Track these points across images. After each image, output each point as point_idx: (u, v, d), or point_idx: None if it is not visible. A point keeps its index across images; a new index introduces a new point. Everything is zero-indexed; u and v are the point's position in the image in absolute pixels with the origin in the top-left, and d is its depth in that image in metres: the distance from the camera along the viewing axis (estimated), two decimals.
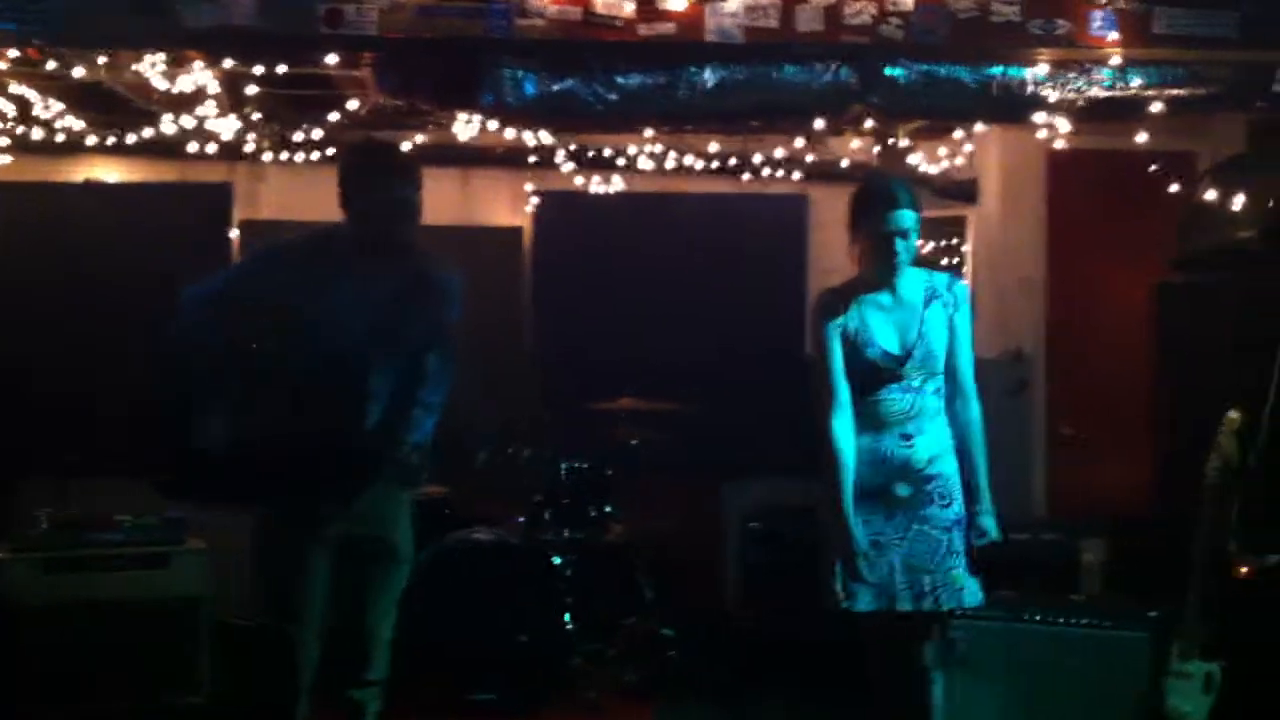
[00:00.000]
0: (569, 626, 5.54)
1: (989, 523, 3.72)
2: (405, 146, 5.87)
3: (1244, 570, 3.87)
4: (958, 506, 3.73)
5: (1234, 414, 3.90)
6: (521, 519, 5.77)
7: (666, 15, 4.57)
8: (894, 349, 3.73)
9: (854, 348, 3.75)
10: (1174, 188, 5.89)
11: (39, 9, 4.35)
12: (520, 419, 5.28)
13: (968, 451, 3.75)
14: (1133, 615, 4.53)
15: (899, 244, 3.69)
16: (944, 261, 6.72)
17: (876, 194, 3.76)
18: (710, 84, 4.83)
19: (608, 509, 5.83)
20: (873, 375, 3.74)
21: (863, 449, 3.74)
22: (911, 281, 3.78)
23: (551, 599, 5.54)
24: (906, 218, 3.69)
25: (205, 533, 5.38)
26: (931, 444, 3.72)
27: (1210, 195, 5.43)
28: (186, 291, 3.57)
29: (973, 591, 3.72)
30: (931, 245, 6.64)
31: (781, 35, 4.63)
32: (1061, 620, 4.59)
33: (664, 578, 5.97)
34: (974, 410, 3.77)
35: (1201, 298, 5.49)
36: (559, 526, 5.72)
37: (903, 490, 3.71)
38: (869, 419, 3.75)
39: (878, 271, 3.76)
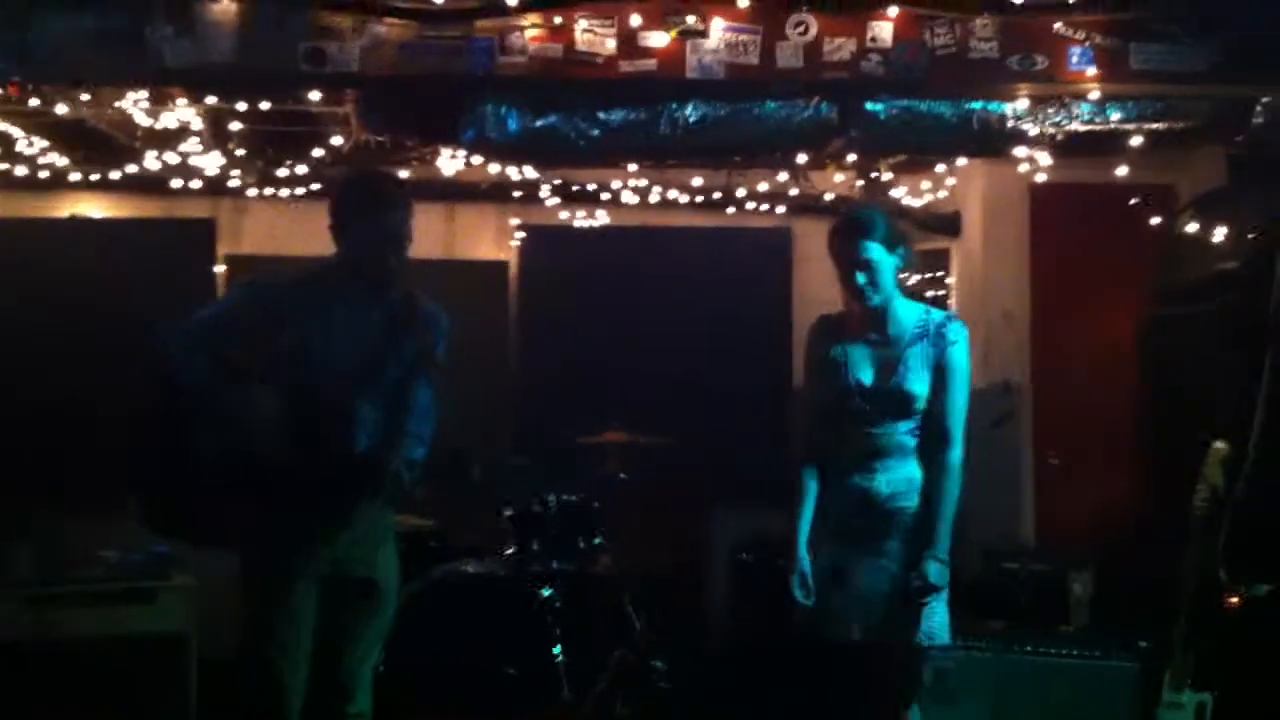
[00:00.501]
0: (559, 659, 5.51)
1: (931, 569, 3.58)
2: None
3: (1233, 600, 3.87)
4: (919, 545, 3.63)
5: (1220, 444, 3.92)
6: (510, 551, 5.76)
7: (648, 52, 4.63)
8: (867, 383, 3.69)
9: (832, 378, 3.75)
10: (1155, 220, 5.94)
11: (18, 46, 4.36)
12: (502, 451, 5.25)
13: (933, 494, 3.64)
14: (1122, 645, 4.53)
15: (860, 275, 3.63)
16: (929, 294, 6.75)
17: (843, 226, 3.76)
18: (692, 119, 4.88)
19: (596, 541, 5.82)
20: (845, 407, 3.72)
21: (831, 479, 3.75)
22: (904, 317, 3.72)
23: (540, 631, 5.52)
24: (869, 248, 3.63)
25: (191, 569, 5.35)
26: (896, 481, 3.67)
27: (1192, 228, 5.47)
28: (168, 327, 3.56)
29: (931, 630, 3.64)
30: (915, 278, 6.67)
31: (762, 71, 4.68)
32: (1051, 650, 4.58)
33: (654, 609, 5.95)
34: (950, 455, 3.65)
35: (1185, 328, 5.52)
36: (548, 559, 5.70)
37: (859, 522, 3.68)
38: (840, 450, 3.74)
39: (853, 302, 3.76)
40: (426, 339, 3.65)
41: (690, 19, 4.64)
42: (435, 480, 3.79)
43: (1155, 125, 4.97)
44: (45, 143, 5.86)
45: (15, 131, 5.64)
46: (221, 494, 3.47)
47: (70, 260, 6.43)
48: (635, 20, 4.62)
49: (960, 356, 3.69)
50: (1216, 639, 3.80)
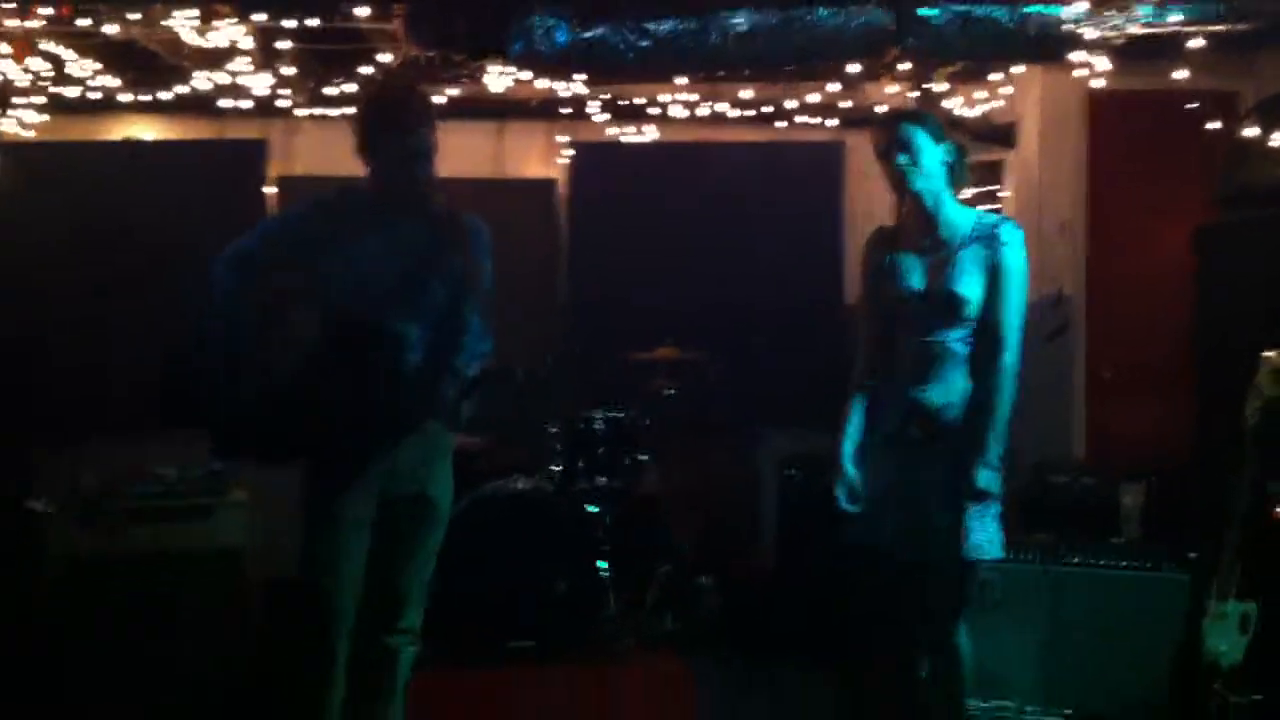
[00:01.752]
0: (605, 575, 5.57)
1: (982, 475, 3.54)
2: (438, 99, 5.88)
3: None
4: (970, 456, 3.59)
5: (1272, 354, 3.85)
6: (558, 468, 5.80)
7: None
8: (918, 287, 3.65)
9: (885, 286, 3.72)
10: (1216, 126, 5.79)
11: None
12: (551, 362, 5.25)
13: (985, 401, 3.58)
14: (1172, 557, 4.50)
15: (901, 156, 3.59)
16: (983, 208, 6.64)
17: (886, 116, 3.73)
18: (743, 29, 4.81)
19: (643, 458, 5.84)
20: (898, 315, 3.69)
21: (883, 389, 3.72)
22: (956, 221, 3.67)
23: (588, 548, 5.57)
24: (910, 130, 3.59)
25: (246, 485, 5.44)
26: (948, 391, 3.63)
27: (1253, 133, 5.33)
28: (216, 258, 3.59)
29: (980, 543, 3.59)
30: (969, 191, 6.57)
31: None
32: (1100, 562, 4.57)
33: (701, 526, 5.99)
34: (1004, 360, 3.58)
35: (1243, 237, 5.40)
36: (595, 475, 5.74)
37: (914, 433, 3.65)
38: (893, 360, 3.71)
39: (901, 201, 3.70)
40: (467, 253, 3.64)
41: None
42: (486, 398, 3.80)
43: (1217, 28, 4.84)
44: (97, 65, 5.88)
45: (67, 54, 5.66)
46: (276, 415, 3.51)
47: (124, 182, 6.48)
48: None
49: (1015, 259, 3.63)
50: (1263, 550, 3.77)
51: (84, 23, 4.98)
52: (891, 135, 3.63)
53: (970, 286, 3.61)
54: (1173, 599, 4.34)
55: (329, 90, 6.24)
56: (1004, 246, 3.62)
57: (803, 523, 5.94)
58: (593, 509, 5.67)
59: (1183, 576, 4.37)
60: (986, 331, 3.63)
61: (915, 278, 3.67)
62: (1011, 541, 3.79)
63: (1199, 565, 4.26)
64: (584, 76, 5.80)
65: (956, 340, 3.64)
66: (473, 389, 3.62)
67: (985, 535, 3.62)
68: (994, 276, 3.61)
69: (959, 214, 3.69)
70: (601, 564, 5.55)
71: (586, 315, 6.77)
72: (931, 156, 3.62)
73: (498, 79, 5.74)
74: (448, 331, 3.60)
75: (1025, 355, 3.72)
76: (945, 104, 6.44)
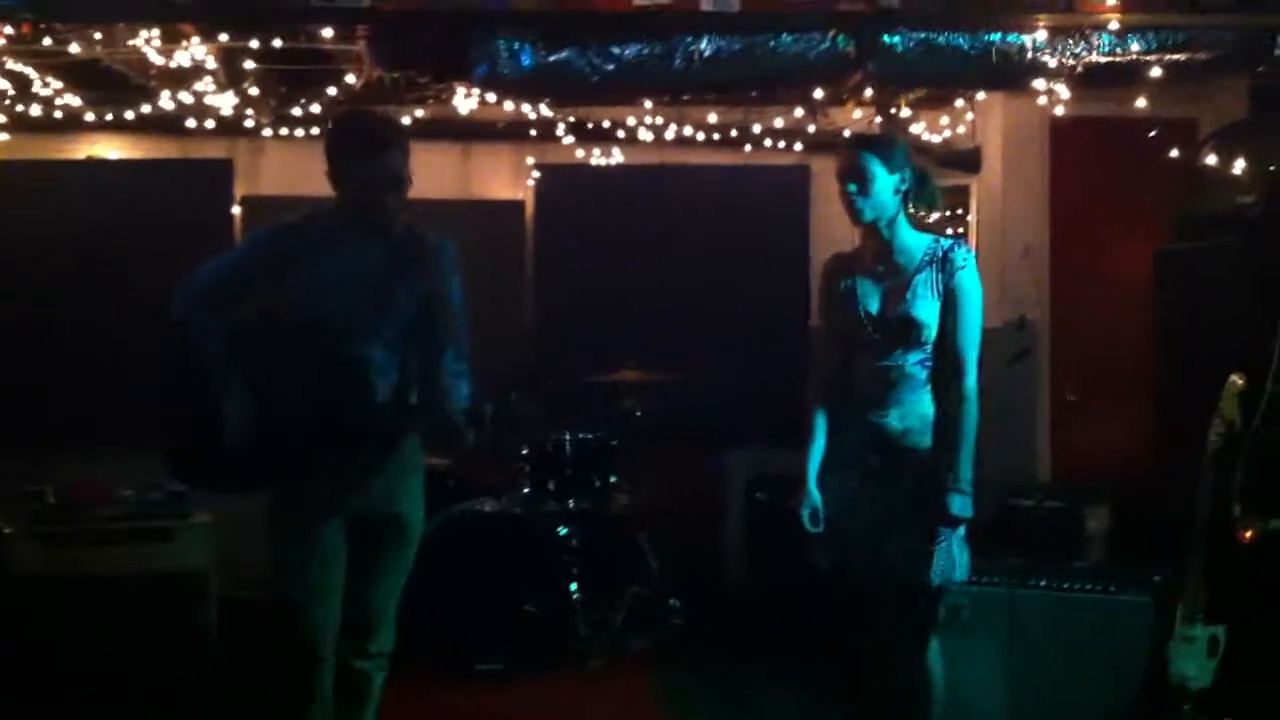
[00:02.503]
0: (575, 596, 5.56)
1: (955, 501, 3.55)
2: (404, 120, 5.87)
3: (1248, 534, 3.87)
4: (935, 481, 3.60)
5: (1237, 378, 3.89)
6: (526, 490, 5.79)
7: None
8: (875, 312, 3.67)
9: (842, 311, 3.74)
10: (1175, 153, 5.86)
11: None
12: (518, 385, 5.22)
13: (950, 424, 3.60)
14: (1136, 579, 4.53)
15: (851, 185, 3.62)
16: (948, 231, 6.70)
17: (845, 140, 3.76)
18: (707, 54, 4.82)
19: (612, 479, 5.85)
20: (855, 340, 3.71)
21: (846, 415, 3.74)
22: (911, 246, 3.70)
23: (557, 569, 5.56)
24: (863, 158, 3.61)
25: (209, 506, 5.39)
26: (908, 415, 3.65)
27: (1211, 160, 5.40)
28: (181, 287, 3.56)
29: (945, 566, 3.61)
30: (935, 216, 6.61)
31: (778, 4, 4.64)
32: (1065, 585, 4.59)
33: (669, 547, 5.98)
34: (964, 384, 3.59)
35: (1203, 262, 5.47)
36: (564, 497, 5.73)
37: (874, 460, 3.68)
38: (852, 385, 3.73)
39: (857, 229, 3.74)
40: (434, 274, 3.63)
41: None
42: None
43: (1176, 56, 4.89)
44: (60, 84, 5.84)
45: (30, 72, 5.62)
46: (240, 442, 3.49)
47: (88, 202, 6.43)
48: None
49: (969, 281, 3.65)
50: (1230, 573, 3.80)
51: (48, 42, 4.95)
52: (845, 163, 3.67)
53: (926, 311, 3.63)
54: (1136, 622, 4.36)
55: (294, 110, 6.23)
56: (959, 270, 3.64)
57: (770, 544, 5.96)
58: (562, 530, 5.66)
59: (1146, 599, 4.39)
60: (945, 355, 3.65)
61: (872, 303, 3.70)
62: (976, 565, 3.81)
63: (1163, 587, 4.28)
64: (549, 99, 5.82)
65: (915, 364, 3.66)
66: (482, 417, 3.57)
67: (951, 558, 3.64)
68: (948, 300, 3.63)
69: (913, 239, 3.72)
70: (571, 585, 5.55)
71: (553, 337, 6.76)
72: (884, 185, 3.64)
73: (464, 100, 5.74)
74: (426, 352, 3.59)
75: (989, 379, 3.75)
76: (910, 129, 6.49)
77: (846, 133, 6.48)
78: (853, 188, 3.64)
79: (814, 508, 3.74)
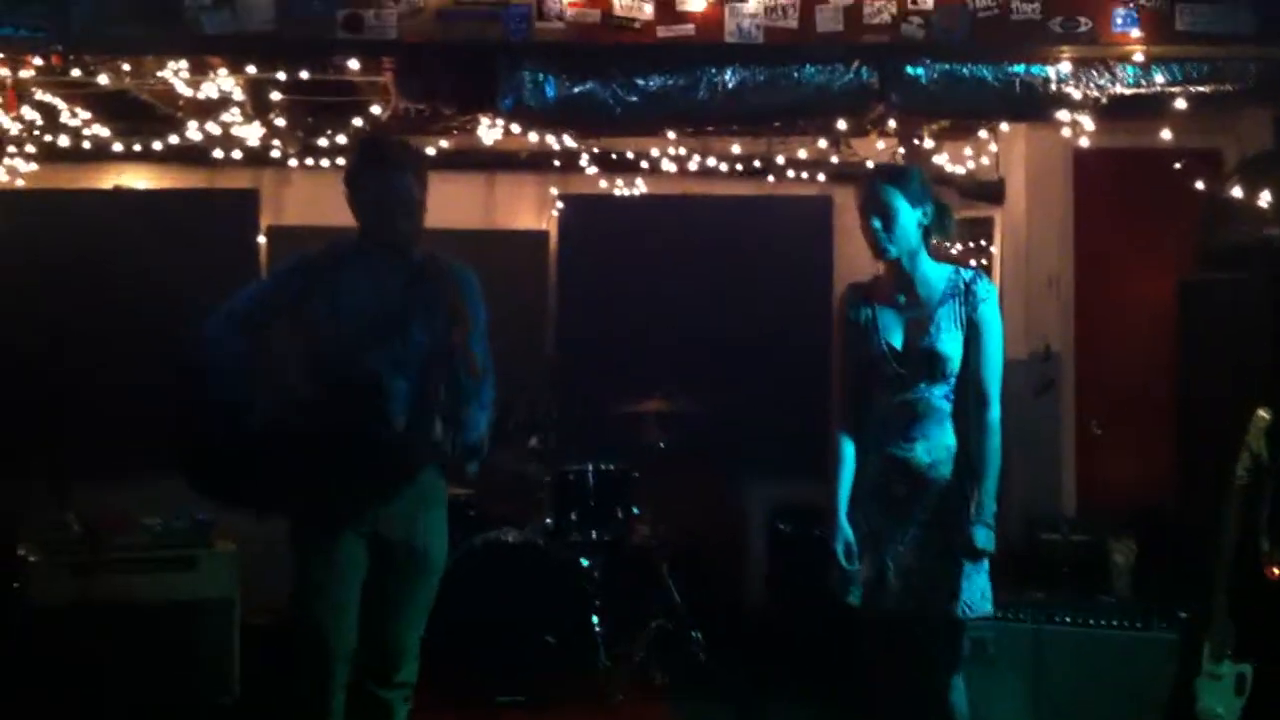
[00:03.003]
0: (596, 627, 5.54)
1: (979, 534, 3.55)
2: (429, 150, 5.91)
3: (1276, 570, 3.84)
4: (960, 513, 3.61)
5: (1263, 413, 3.87)
6: (548, 520, 5.78)
7: (685, 17, 4.59)
8: (898, 346, 3.66)
9: (863, 343, 3.73)
10: (1200, 185, 5.85)
11: (58, 16, 4.40)
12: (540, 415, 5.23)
13: (975, 457, 3.61)
14: (1162, 616, 4.50)
15: (875, 220, 3.62)
16: (972, 263, 6.68)
17: (868, 174, 3.76)
18: (730, 85, 4.83)
19: (635, 510, 5.83)
20: (878, 373, 3.70)
21: (869, 447, 3.72)
22: (932, 278, 3.69)
23: (579, 600, 5.55)
24: (887, 192, 3.60)
25: (233, 534, 5.41)
26: (934, 448, 3.64)
27: (1236, 192, 5.38)
28: (207, 318, 3.59)
29: (972, 600, 3.60)
30: (959, 247, 6.60)
31: (801, 35, 4.63)
32: (1091, 621, 4.56)
33: (691, 579, 5.96)
34: (988, 416, 3.61)
35: (1227, 294, 5.44)
36: (586, 528, 5.72)
37: (900, 491, 3.66)
38: (876, 417, 3.71)
39: (877, 261, 3.72)
40: (454, 301, 3.63)
41: None
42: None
43: (1201, 88, 4.88)
44: (88, 114, 5.90)
45: (59, 103, 5.68)
46: (262, 464, 3.51)
47: (115, 232, 6.48)
48: None
49: (990, 313, 3.65)
50: (1257, 610, 3.77)
51: (76, 73, 5.00)
52: (867, 196, 3.67)
53: (950, 344, 3.63)
54: (1162, 658, 4.33)
55: (320, 141, 6.27)
56: (981, 302, 3.65)
57: (793, 575, 5.93)
58: (584, 561, 5.65)
59: (1172, 636, 4.36)
60: (968, 388, 3.64)
61: (895, 336, 3.69)
62: (1002, 600, 3.79)
63: (1189, 624, 4.25)
64: (573, 130, 5.84)
65: (940, 397, 3.66)
66: (480, 447, 3.58)
67: (976, 591, 3.62)
68: (971, 333, 3.64)
69: (934, 270, 3.71)
70: (592, 616, 5.53)
71: (575, 366, 6.76)
72: (908, 219, 3.64)
73: (489, 131, 5.77)
74: (436, 381, 3.59)
75: (1014, 411, 3.73)
76: (933, 160, 6.48)
77: (869, 164, 6.52)
78: (877, 223, 3.64)
79: (847, 542, 3.70)
